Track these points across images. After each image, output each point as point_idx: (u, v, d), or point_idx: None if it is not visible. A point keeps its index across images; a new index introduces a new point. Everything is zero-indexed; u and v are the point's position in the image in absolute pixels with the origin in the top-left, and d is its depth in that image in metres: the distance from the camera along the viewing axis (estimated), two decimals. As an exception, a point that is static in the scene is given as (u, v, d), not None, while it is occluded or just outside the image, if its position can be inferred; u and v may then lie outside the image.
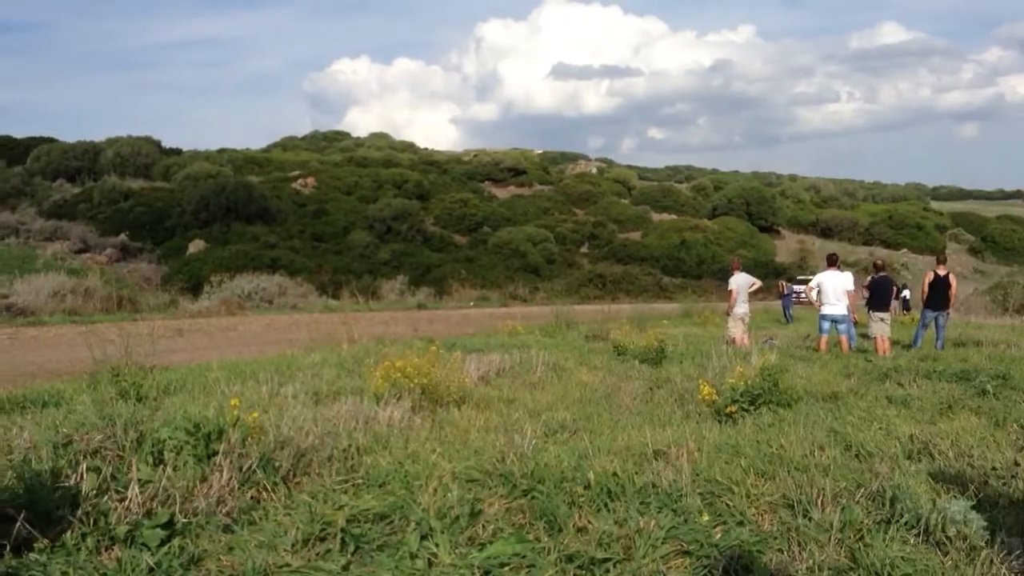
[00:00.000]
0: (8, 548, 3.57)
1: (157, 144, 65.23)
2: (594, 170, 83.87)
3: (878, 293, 14.51)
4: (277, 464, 4.85)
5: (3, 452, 5.02)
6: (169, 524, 3.90)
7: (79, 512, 3.87)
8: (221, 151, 72.36)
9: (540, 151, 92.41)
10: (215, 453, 4.57)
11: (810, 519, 4.15)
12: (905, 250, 66.83)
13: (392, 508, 4.24)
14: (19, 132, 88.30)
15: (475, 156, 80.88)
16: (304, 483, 4.81)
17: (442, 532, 3.84)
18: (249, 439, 4.87)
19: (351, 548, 3.79)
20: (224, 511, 4.21)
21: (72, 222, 46.80)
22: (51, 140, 62.78)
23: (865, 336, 14.94)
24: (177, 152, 66.34)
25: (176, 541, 3.81)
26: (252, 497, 4.46)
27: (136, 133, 64.97)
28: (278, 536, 3.89)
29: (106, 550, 3.73)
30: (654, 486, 4.64)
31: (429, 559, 3.66)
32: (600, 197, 70.52)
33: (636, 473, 4.87)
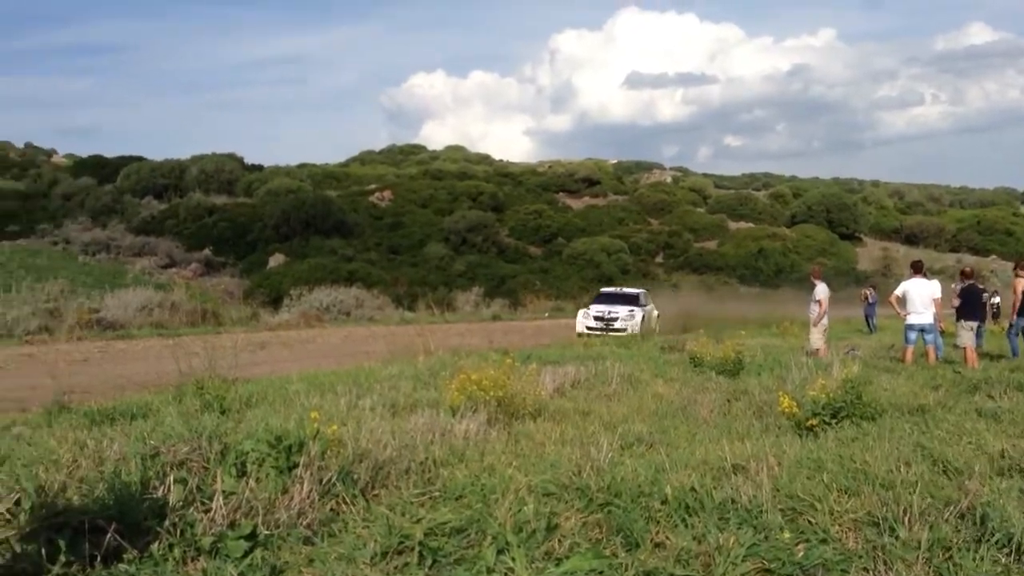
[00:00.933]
0: (99, 559, 3.69)
1: (240, 161, 67.05)
2: (669, 179, 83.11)
3: (967, 302, 14.05)
4: (356, 477, 4.90)
5: (95, 463, 5.18)
6: (252, 535, 3.97)
7: (166, 523, 3.96)
8: (301, 166, 73.96)
9: (614, 161, 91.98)
10: (296, 465, 4.64)
11: (896, 537, 4.02)
12: (994, 256, 64.51)
13: (469, 522, 4.25)
14: (110, 152, 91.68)
15: (549, 167, 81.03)
16: (382, 496, 4.85)
17: (518, 546, 3.83)
18: (328, 452, 4.93)
19: (428, 562, 3.81)
20: (305, 523, 4.27)
21: (159, 238, 48.50)
22: (140, 159, 65.04)
23: (955, 346, 14.48)
24: (259, 168, 68.03)
25: (258, 552, 3.88)
26: (331, 509, 4.52)
27: (220, 150, 67.00)
28: (357, 549, 3.93)
29: (192, 560, 3.82)
30: (733, 501, 4.55)
31: (506, 573, 3.65)
32: (675, 206, 69.84)
33: (714, 488, 4.78)
